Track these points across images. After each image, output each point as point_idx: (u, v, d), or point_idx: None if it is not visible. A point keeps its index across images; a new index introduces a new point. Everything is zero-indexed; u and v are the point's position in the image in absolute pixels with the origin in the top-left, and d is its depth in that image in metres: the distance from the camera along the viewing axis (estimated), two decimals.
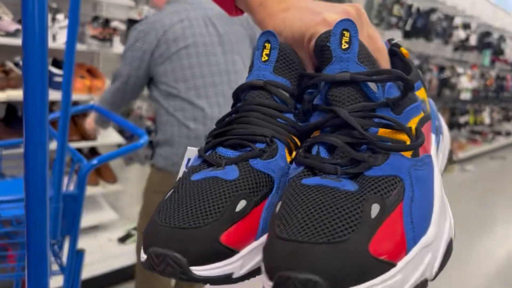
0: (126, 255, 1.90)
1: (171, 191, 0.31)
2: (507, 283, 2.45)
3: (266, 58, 0.34)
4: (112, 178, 2.04)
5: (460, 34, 4.30)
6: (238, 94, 0.36)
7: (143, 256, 0.28)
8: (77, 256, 1.04)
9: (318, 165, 0.29)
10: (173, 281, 1.56)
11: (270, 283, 0.24)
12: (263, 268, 0.25)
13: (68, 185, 1.02)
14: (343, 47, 0.31)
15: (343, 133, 0.30)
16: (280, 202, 0.27)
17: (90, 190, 1.99)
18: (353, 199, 0.26)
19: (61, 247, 1.03)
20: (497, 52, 5.28)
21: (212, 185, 0.29)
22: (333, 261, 0.23)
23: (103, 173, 2.04)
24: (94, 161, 1.00)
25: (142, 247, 0.28)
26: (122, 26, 1.95)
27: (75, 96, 1.82)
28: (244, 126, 0.33)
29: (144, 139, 1.05)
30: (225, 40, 1.31)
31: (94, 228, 2.06)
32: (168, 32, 1.26)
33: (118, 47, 1.94)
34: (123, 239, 1.98)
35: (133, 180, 2.46)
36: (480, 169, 5.05)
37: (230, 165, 0.31)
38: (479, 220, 3.32)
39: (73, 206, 0.93)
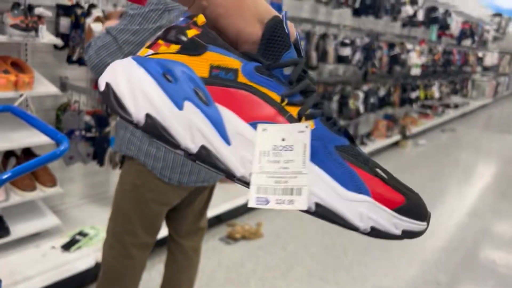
0: (72, 263, 1.75)
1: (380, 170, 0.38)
2: (458, 255, 2.50)
3: None
4: (50, 181, 1.86)
5: (408, 10, 4.31)
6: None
7: (424, 224, 0.37)
8: None
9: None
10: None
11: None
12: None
13: None
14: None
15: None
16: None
17: (27, 196, 1.81)
18: None
19: None
20: (443, 27, 5.38)
21: None
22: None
23: (40, 177, 1.86)
24: (4, 176, 0.86)
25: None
26: (49, 13, 1.75)
27: None
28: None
29: (65, 145, 0.91)
30: None
31: (36, 236, 1.90)
32: None
33: (46, 36, 1.74)
34: (67, 246, 1.82)
35: (75, 181, 2.29)
36: (432, 143, 5.18)
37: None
38: (432, 193, 3.39)
39: None
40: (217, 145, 0.37)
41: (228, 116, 0.37)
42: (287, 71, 0.39)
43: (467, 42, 6.49)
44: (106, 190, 2.44)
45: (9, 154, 1.89)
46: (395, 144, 4.62)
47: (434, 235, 2.65)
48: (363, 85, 4.01)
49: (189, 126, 0.37)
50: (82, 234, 1.91)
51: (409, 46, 4.70)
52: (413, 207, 0.36)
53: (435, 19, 5.07)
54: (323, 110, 0.40)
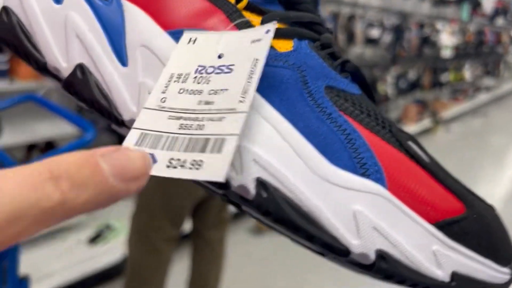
0: (99, 257, 1.72)
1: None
2: None
3: None
4: None
5: None
6: None
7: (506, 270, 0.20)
8: (20, 285, 0.85)
9: None
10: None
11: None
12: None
13: None
14: None
15: None
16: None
17: None
18: None
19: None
20: (475, 5, 5.13)
21: None
22: None
23: None
24: None
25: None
26: None
27: (19, 85, 1.59)
28: None
29: (92, 132, 0.85)
30: None
31: (61, 230, 1.87)
32: None
33: None
34: (93, 240, 1.79)
35: None
36: (464, 128, 4.99)
37: None
38: (464, 180, 3.24)
39: None
40: (103, 64, 0.21)
41: (136, 19, 0.22)
42: None
43: (500, 21, 6.20)
44: None
45: (31, 147, 1.86)
46: (426, 130, 4.46)
47: None
48: (392, 68, 3.85)
49: (64, 29, 0.22)
50: (108, 227, 1.87)
51: (439, 26, 4.50)
52: (481, 228, 0.18)
53: None
54: (321, 35, 0.23)
